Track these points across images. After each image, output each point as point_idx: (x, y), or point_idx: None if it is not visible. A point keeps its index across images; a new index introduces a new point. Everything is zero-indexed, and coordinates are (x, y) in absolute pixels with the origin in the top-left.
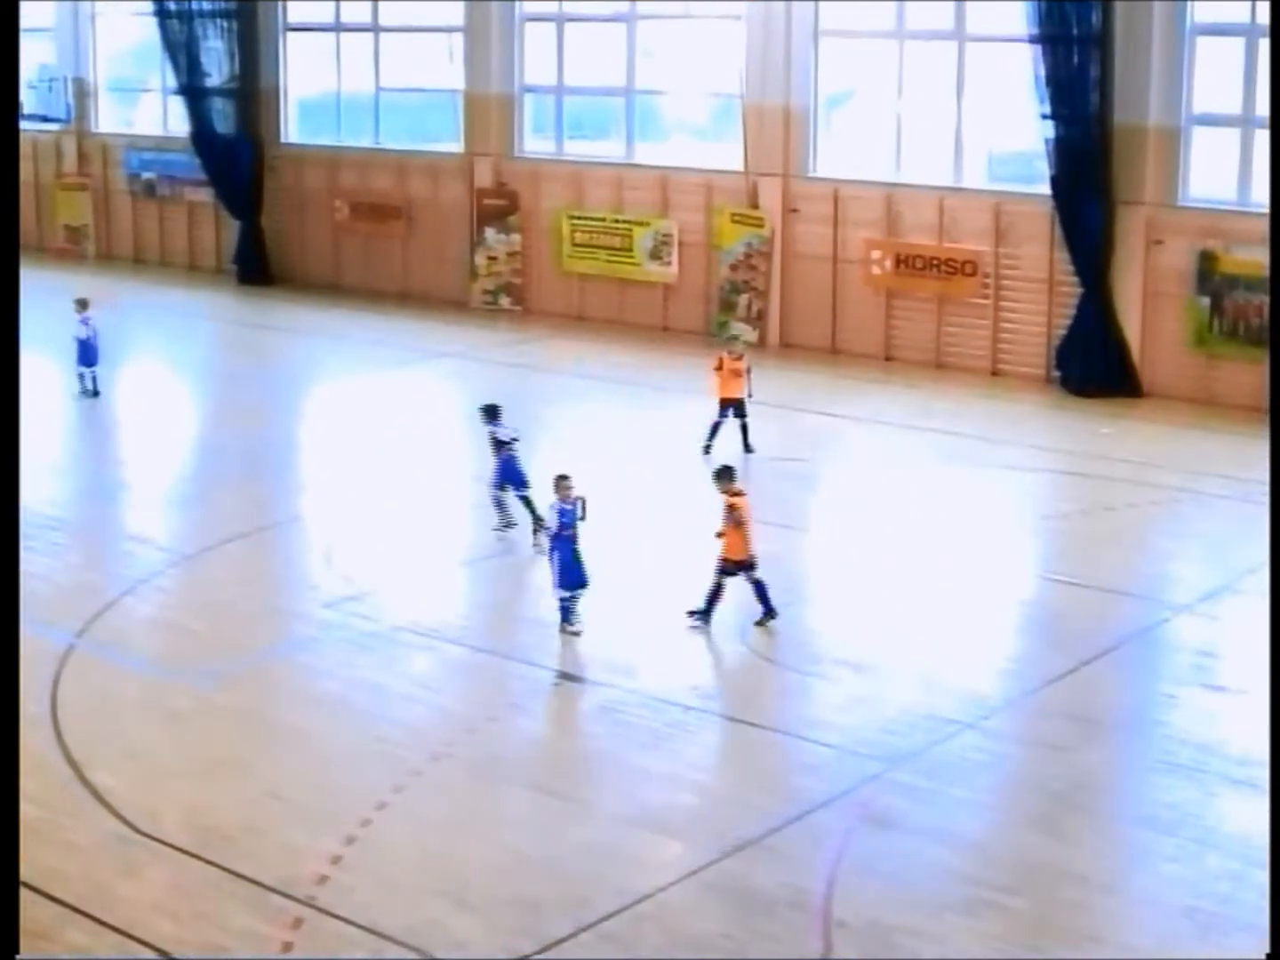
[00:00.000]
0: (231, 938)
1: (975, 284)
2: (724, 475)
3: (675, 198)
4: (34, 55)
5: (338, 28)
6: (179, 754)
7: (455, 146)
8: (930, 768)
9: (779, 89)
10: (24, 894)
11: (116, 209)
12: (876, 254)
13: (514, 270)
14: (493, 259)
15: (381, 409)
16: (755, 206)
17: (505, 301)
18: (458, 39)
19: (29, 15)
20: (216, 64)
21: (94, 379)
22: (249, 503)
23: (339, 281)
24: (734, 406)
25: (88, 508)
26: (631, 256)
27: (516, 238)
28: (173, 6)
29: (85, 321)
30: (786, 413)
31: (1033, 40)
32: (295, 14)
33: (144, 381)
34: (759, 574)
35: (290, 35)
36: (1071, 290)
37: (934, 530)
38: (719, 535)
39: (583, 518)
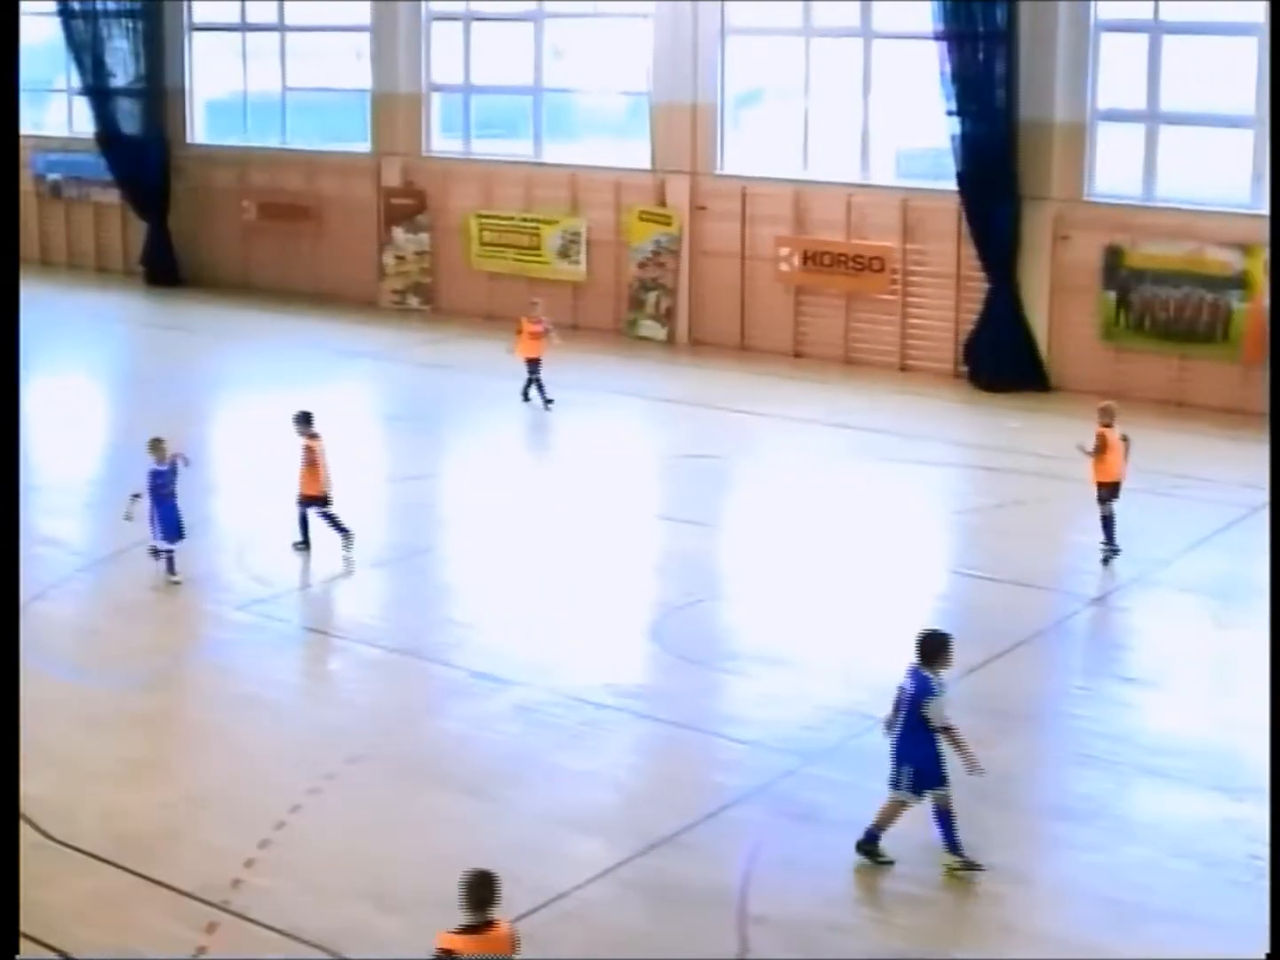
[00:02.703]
0: (148, 943)
1: (884, 280)
2: (302, 420)
3: (584, 196)
4: None
5: (244, 27)
6: (96, 758)
7: (364, 146)
8: (847, 762)
9: (687, 87)
10: None
11: (23, 210)
12: (785, 251)
13: (423, 270)
14: (401, 258)
15: (290, 410)
16: (664, 204)
17: (414, 301)
18: (365, 38)
19: None
20: (122, 64)
21: None
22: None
23: (249, 281)
24: (535, 364)
25: None
26: (541, 255)
27: (425, 237)
28: (77, 6)
29: None
30: (697, 409)
31: (939, 37)
32: (201, 14)
33: (53, 384)
34: (332, 509)
35: (196, 35)
36: (980, 286)
37: (847, 526)
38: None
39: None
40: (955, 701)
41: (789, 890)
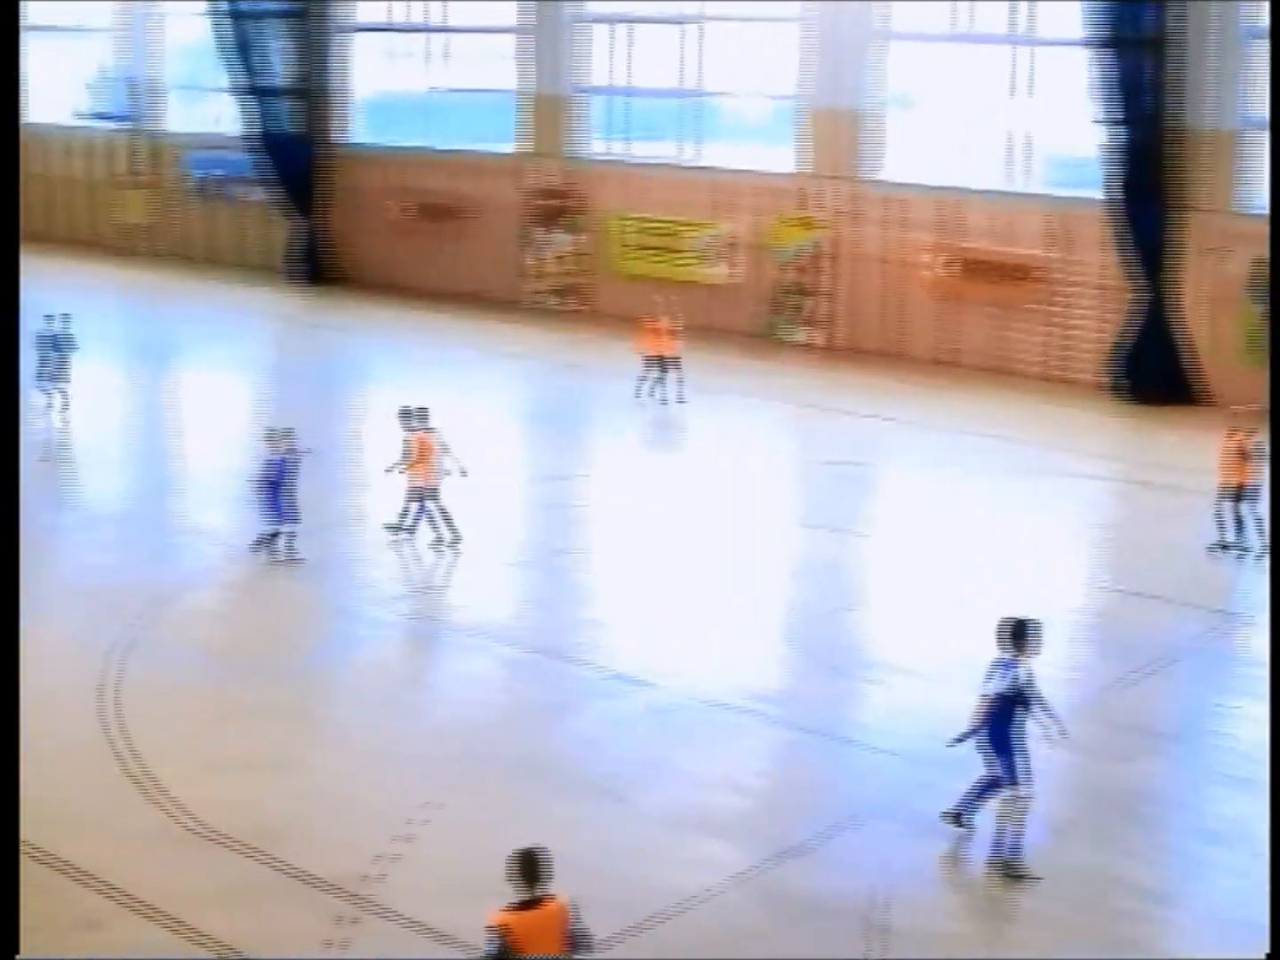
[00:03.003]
0: (281, 934)
1: (1033, 289)
2: (407, 415)
3: (731, 200)
4: (96, 55)
5: (397, 28)
6: (232, 749)
7: (512, 147)
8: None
9: (839, 92)
10: (78, 884)
11: (178, 207)
12: (934, 258)
13: (567, 271)
14: (545, 259)
15: (438, 408)
16: (813, 209)
17: (556, 302)
18: (517, 40)
19: (91, 15)
20: (278, 64)
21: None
22: (308, 499)
23: (395, 280)
24: (654, 361)
25: (148, 503)
26: (686, 258)
27: (570, 238)
28: (235, 7)
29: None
30: (844, 416)
31: (1092, 44)
32: (357, 15)
33: (203, 379)
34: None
35: (351, 36)
36: (1129, 296)
37: (988, 537)
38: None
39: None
40: (1095, 715)
41: (917, 902)
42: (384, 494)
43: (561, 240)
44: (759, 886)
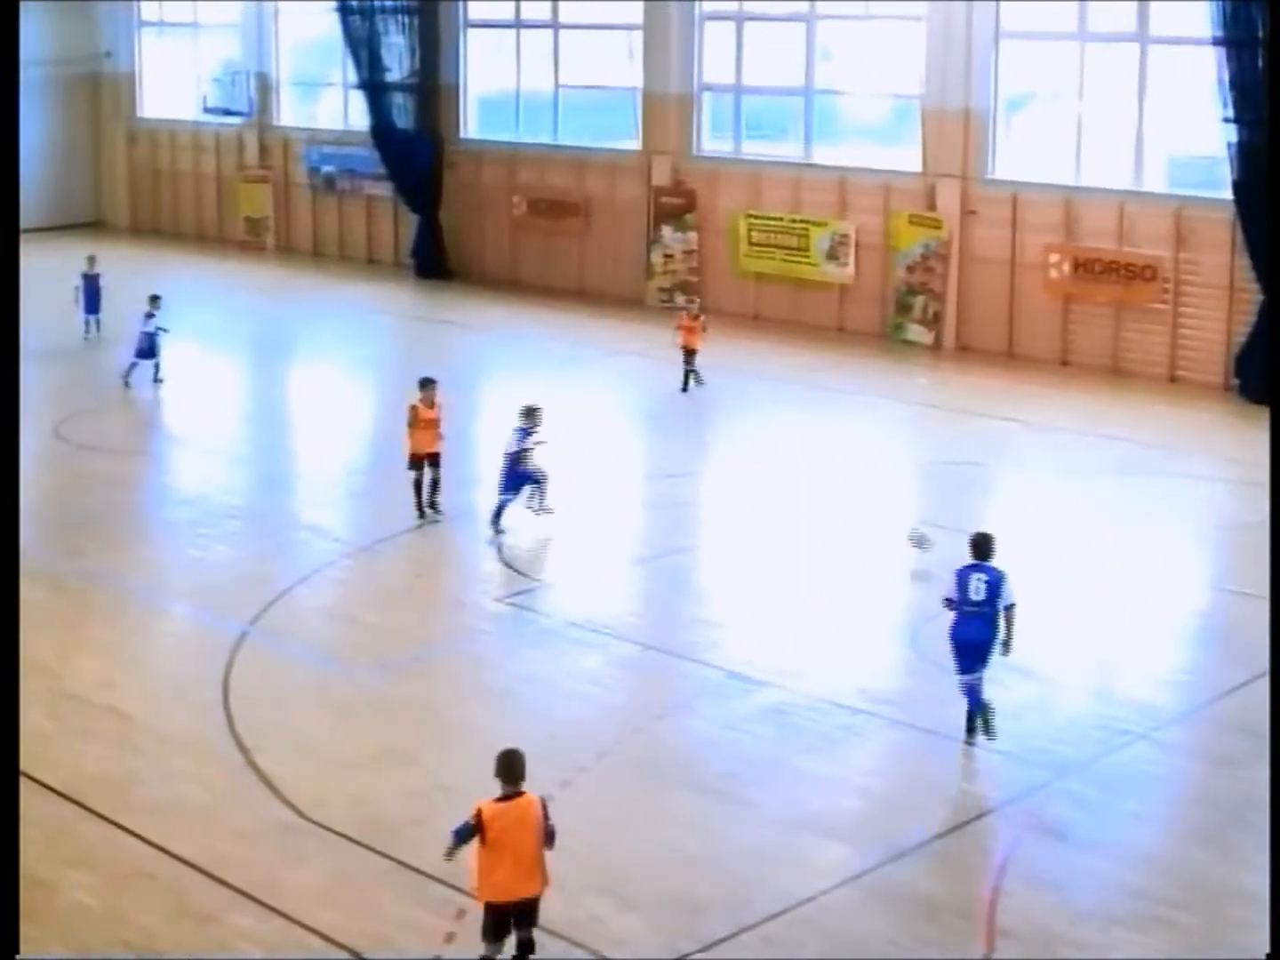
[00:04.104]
0: (395, 927)
1: (1154, 290)
2: (425, 384)
3: (853, 199)
4: (218, 50)
5: (518, 24)
6: (347, 744)
7: (633, 145)
8: (1100, 778)
9: (958, 91)
10: (193, 877)
11: (296, 202)
12: (1055, 258)
13: (690, 269)
14: (669, 257)
15: (556, 405)
16: (933, 209)
17: (680, 300)
18: (637, 37)
19: (215, 11)
20: (397, 59)
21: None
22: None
23: (516, 277)
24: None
25: (265, 498)
26: (808, 257)
27: (693, 236)
28: (355, 3)
29: (150, 317)
30: (961, 416)
31: (1216, 43)
32: (476, 11)
33: (320, 374)
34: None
35: (471, 31)
36: (1254, 298)
37: (1109, 538)
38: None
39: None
40: (1211, 719)
41: (1036, 906)
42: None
43: (682, 238)
44: (875, 888)
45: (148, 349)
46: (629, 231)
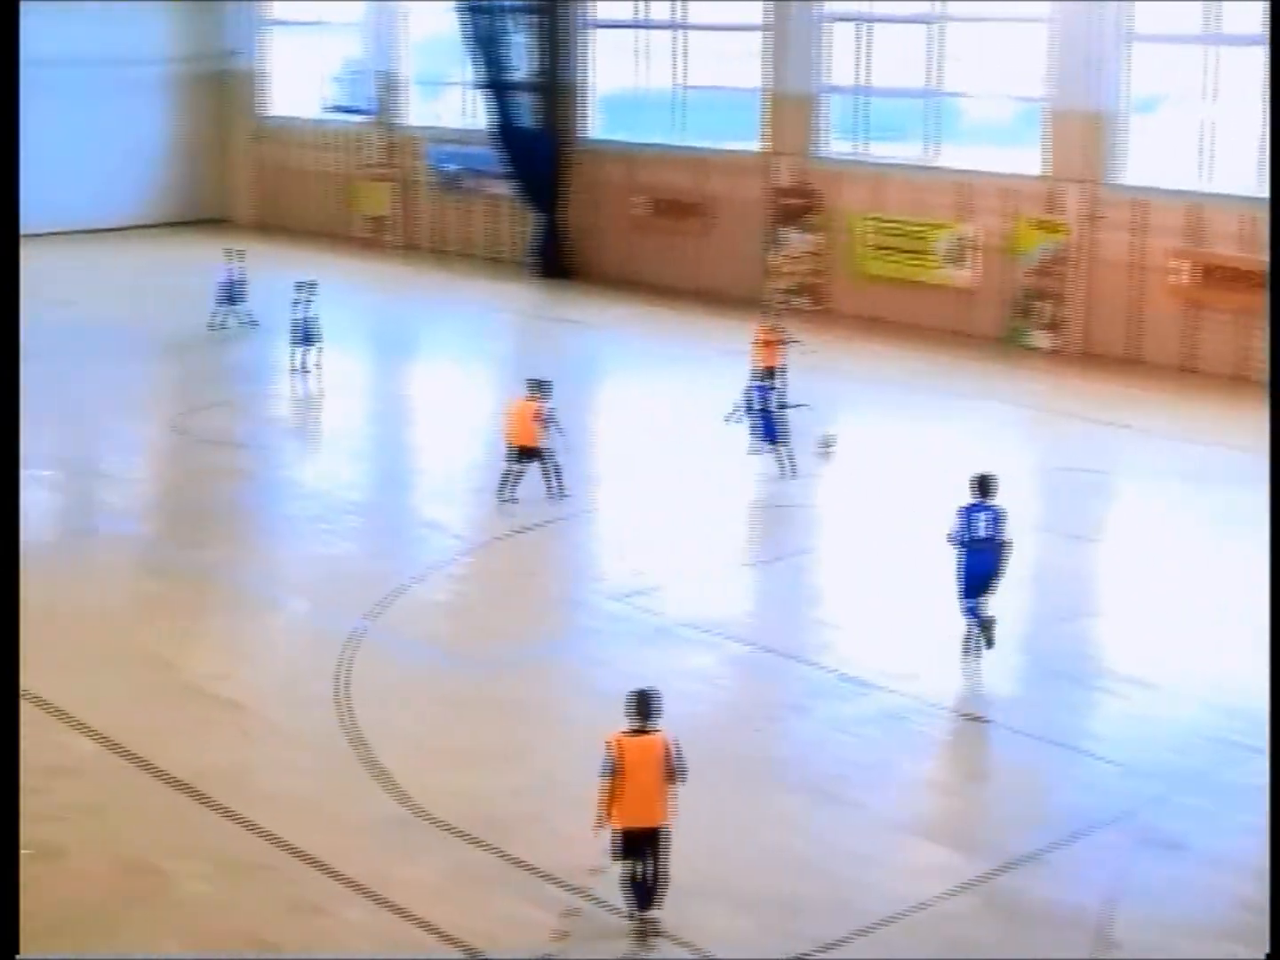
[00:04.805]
0: (505, 924)
1: None
2: (535, 387)
3: (975, 202)
4: (343, 48)
5: (642, 24)
6: (460, 739)
7: (755, 145)
8: (1216, 791)
9: (1084, 93)
10: (306, 869)
11: (419, 200)
12: (1179, 264)
13: (810, 270)
14: (790, 258)
15: (676, 405)
16: (1057, 212)
17: (801, 301)
18: (759, 38)
19: (340, 9)
20: (521, 59)
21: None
22: (541, 493)
23: (635, 277)
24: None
25: (385, 494)
26: (929, 260)
27: (814, 238)
28: (479, 2)
29: (304, 304)
30: (1081, 422)
31: None
32: (600, 10)
33: (441, 371)
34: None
35: (594, 31)
36: None
37: (1229, 550)
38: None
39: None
40: None
41: (1149, 918)
42: (619, 490)
43: (802, 239)
44: (984, 895)
45: (305, 335)
46: (749, 232)
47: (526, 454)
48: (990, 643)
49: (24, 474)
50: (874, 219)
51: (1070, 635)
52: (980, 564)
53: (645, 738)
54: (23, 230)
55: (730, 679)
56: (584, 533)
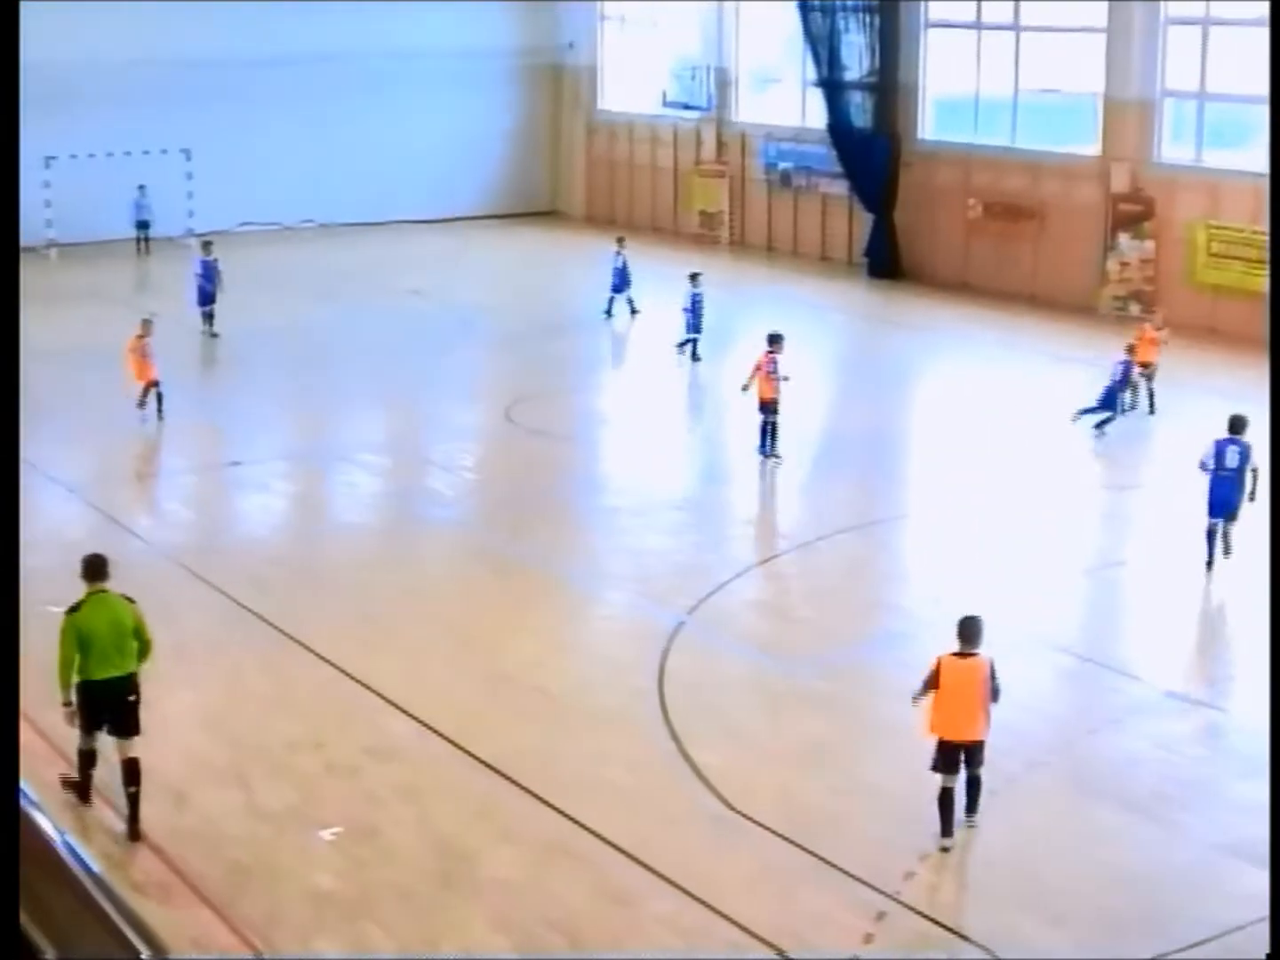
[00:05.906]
0: (812, 924)
1: None
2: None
3: None
4: (678, 45)
5: (979, 26)
6: (777, 737)
7: (1091, 150)
8: None
9: None
10: (615, 858)
11: (751, 197)
12: None
13: (1145, 278)
14: (1125, 265)
15: (1000, 412)
16: None
17: (1135, 309)
18: (1099, 41)
19: (676, 7)
20: (857, 58)
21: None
22: (863, 495)
23: (967, 280)
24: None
25: (706, 490)
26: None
27: (1149, 244)
28: (817, 1)
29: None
30: None
31: None
32: (937, 11)
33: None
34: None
35: (931, 31)
36: None
37: None
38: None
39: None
40: None
41: None
42: (936, 494)
43: (1138, 246)
44: None
45: (694, 323)
46: (1083, 237)
47: (765, 407)
48: (1228, 551)
49: (354, 459)
50: (1212, 227)
51: None
52: (1224, 491)
53: (969, 660)
54: (364, 220)
55: (1052, 689)
56: (902, 536)
